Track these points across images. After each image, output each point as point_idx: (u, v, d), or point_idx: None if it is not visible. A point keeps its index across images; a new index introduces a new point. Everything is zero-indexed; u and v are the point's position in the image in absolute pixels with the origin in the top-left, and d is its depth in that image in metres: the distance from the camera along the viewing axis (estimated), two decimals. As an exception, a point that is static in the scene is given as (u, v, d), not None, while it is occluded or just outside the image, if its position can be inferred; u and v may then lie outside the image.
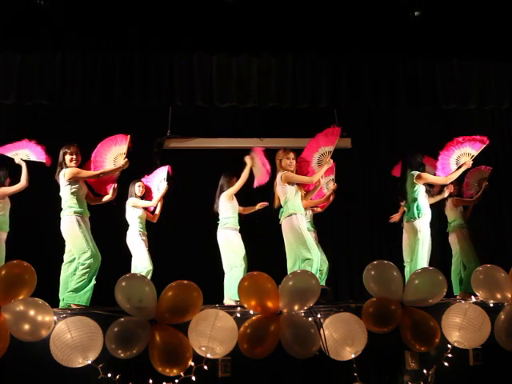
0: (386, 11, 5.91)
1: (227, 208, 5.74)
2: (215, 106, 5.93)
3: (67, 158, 5.12)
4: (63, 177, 5.07)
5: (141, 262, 5.71)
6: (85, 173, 5.17)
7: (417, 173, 5.37)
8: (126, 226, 5.95)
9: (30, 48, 5.67)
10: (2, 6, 5.54)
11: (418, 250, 5.30)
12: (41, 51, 5.68)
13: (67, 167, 5.10)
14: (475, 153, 5.46)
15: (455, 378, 4.33)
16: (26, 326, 3.80)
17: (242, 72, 5.88)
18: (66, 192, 5.08)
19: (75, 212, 5.02)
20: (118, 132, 6.93)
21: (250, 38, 5.82)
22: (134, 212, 5.87)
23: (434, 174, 5.53)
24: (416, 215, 5.33)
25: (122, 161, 5.30)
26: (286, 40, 5.89)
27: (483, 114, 7.13)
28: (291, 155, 5.28)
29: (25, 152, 5.36)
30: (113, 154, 5.36)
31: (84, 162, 5.30)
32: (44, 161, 5.34)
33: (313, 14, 5.84)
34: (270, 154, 6.80)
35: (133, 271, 5.62)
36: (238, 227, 5.77)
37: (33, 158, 5.36)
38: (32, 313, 3.82)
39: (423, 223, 5.34)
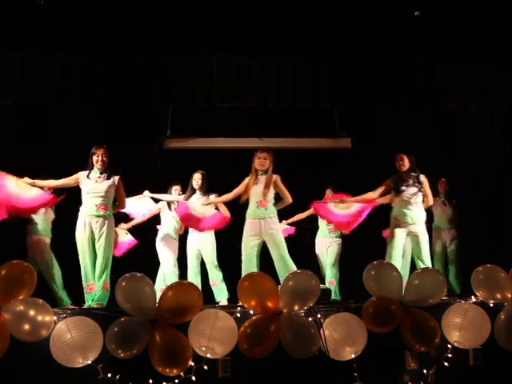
0: (386, 11, 5.90)
1: None
2: (215, 106, 5.92)
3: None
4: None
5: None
6: None
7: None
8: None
9: (30, 48, 5.66)
10: (1, 5, 5.53)
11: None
12: (41, 51, 5.67)
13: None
14: None
15: (455, 378, 4.33)
16: (26, 326, 3.80)
17: (241, 72, 5.88)
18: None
19: None
20: (118, 131, 6.97)
21: (250, 37, 5.81)
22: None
23: None
24: None
25: None
26: (286, 40, 5.88)
27: (483, 113, 7.14)
28: (263, 155, 5.13)
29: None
30: None
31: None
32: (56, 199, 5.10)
33: (313, 14, 5.83)
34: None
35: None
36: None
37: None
38: (32, 313, 3.82)
39: None
